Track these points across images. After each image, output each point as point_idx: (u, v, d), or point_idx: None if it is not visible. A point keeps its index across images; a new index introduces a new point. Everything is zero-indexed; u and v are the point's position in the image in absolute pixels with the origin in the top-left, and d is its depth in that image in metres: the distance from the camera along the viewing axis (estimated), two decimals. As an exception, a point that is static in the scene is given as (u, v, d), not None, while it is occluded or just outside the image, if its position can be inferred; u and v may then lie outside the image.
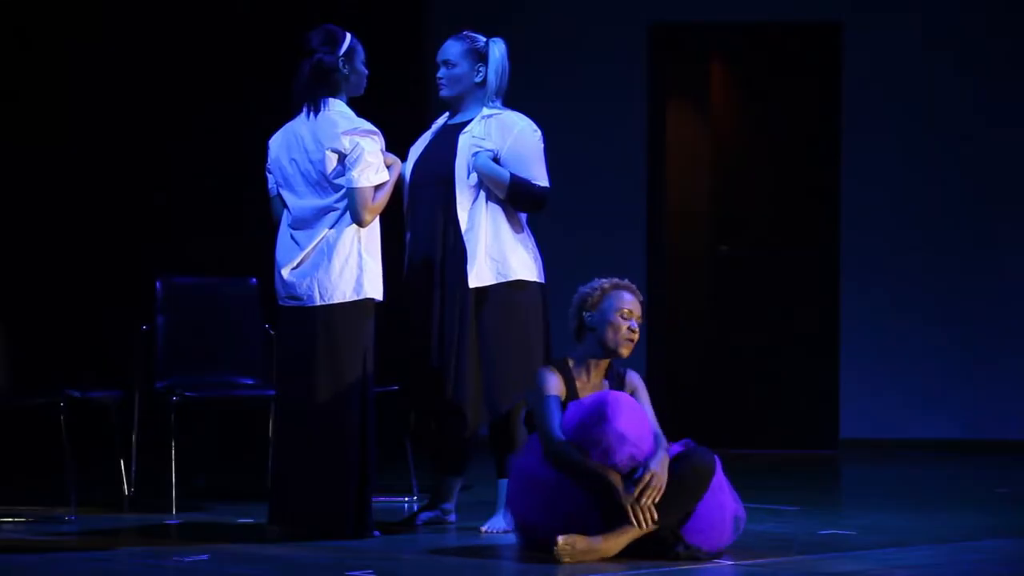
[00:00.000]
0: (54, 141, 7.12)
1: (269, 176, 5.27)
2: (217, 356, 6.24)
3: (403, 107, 7.74)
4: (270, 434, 5.74)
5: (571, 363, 4.85)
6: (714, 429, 8.64)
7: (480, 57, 5.38)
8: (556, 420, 4.69)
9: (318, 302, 5.11)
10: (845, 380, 8.48)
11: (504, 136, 5.32)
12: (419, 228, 5.36)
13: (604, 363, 4.86)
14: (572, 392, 4.79)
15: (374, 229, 5.16)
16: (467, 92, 5.39)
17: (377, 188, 5.09)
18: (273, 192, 5.26)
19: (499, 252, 5.28)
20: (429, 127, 5.54)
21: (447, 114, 5.49)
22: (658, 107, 8.69)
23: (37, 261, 7.01)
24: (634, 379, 4.91)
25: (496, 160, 5.30)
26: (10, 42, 6.93)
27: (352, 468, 5.05)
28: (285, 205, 5.21)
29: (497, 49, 5.39)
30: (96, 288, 7.14)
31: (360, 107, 5.23)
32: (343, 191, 5.09)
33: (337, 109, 5.14)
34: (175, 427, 5.83)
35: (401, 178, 5.37)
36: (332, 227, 5.10)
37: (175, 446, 5.82)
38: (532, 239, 5.40)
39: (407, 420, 5.53)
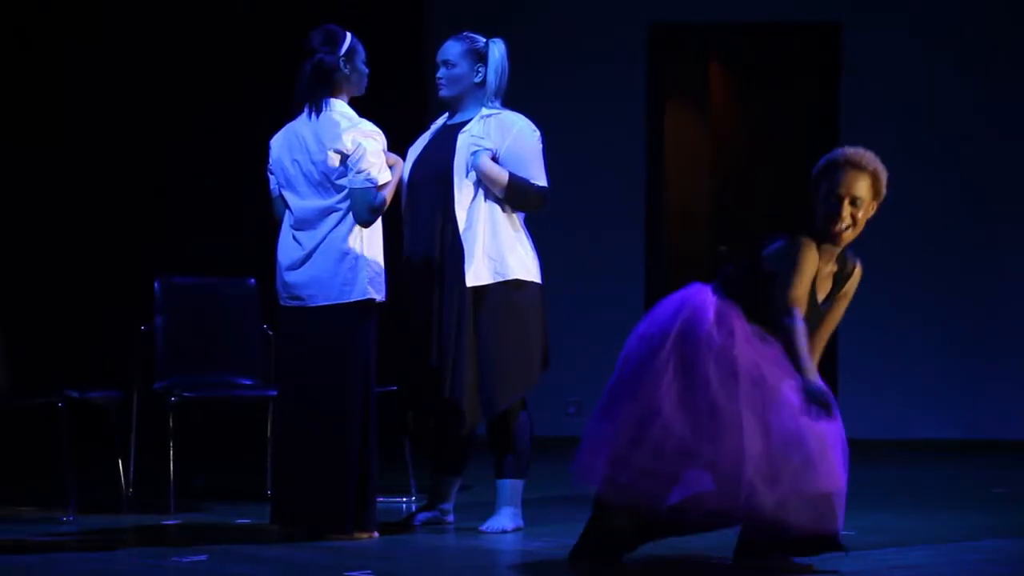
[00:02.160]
0: (54, 141, 7.12)
1: (271, 177, 5.27)
2: (216, 356, 6.24)
3: (403, 107, 7.75)
4: (269, 434, 5.75)
5: (816, 243, 4.47)
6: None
7: (480, 57, 5.39)
8: (802, 297, 4.33)
9: (320, 302, 5.11)
10: (844, 380, 8.48)
11: (503, 136, 5.32)
12: (418, 227, 5.37)
13: (836, 250, 4.50)
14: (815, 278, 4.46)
15: (376, 229, 5.16)
16: (466, 92, 5.40)
17: (379, 188, 5.10)
18: (275, 192, 5.26)
19: (497, 252, 5.28)
20: (428, 127, 5.54)
21: (446, 114, 5.50)
22: (657, 107, 8.69)
23: (36, 261, 7.01)
24: (857, 278, 4.54)
25: (495, 159, 5.30)
26: (10, 42, 6.92)
27: (352, 468, 5.05)
28: (287, 205, 5.21)
29: (496, 49, 5.39)
30: (95, 288, 7.14)
31: (361, 107, 5.23)
32: (345, 191, 5.09)
33: (339, 109, 5.14)
34: (174, 427, 5.82)
35: (401, 178, 5.37)
36: (334, 227, 5.10)
37: (174, 446, 5.82)
38: (530, 239, 5.40)
39: (406, 420, 5.53)
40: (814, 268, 4.44)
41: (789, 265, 4.40)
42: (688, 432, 4.28)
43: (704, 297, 4.54)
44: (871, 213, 4.54)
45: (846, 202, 4.45)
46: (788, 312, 4.35)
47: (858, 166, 4.48)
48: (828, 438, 4.34)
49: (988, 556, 4.83)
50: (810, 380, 4.31)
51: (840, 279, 4.57)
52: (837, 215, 4.45)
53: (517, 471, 5.36)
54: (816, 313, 4.50)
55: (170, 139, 7.50)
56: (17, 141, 6.99)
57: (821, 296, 4.52)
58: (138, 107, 7.39)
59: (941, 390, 8.47)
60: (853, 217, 4.47)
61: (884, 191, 4.57)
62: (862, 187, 4.48)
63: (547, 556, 4.82)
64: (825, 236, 4.48)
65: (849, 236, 4.50)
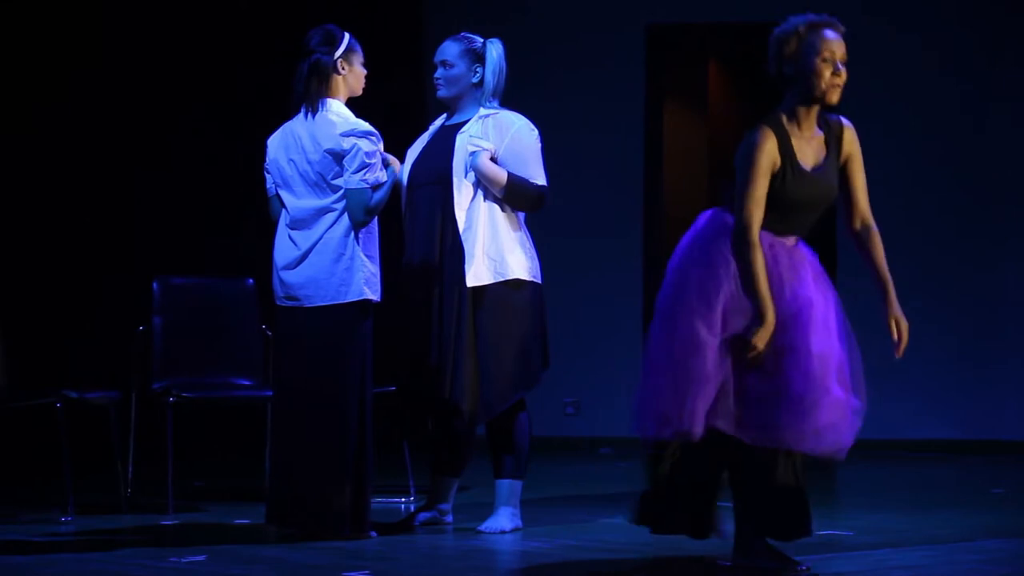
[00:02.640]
0: (51, 141, 7.12)
1: (267, 176, 5.27)
2: (214, 357, 6.24)
3: (401, 107, 7.75)
4: (267, 435, 5.74)
5: (784, 118, 4.41)
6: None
7: (477, 58, 5.38)
8: (759, 209, 4.32)
9: (316, 303, 5.11)
10: (842, 381, 8.48)
11: (501, 135, 5.32)
12: (417, 228, 5.36)
13: (814, 111, 4.41)
14: (788, 150, 4.39)
15: (372, 230, 5.16)
16: (464, 92, 5.39)
17: (375, 189, 5.10)
18: (271, 192, 5.26)
19: (496, 251, 5.28)
20: (427, 128, 5.54)
21: (445, 115, 5.50)
22: (655, 108, 8.69)
23: (34, 262, 7.01)
24: (851, 135, 4.48)
25: (494, 159, 5.30)
26: (7, 43, 6.92)
27: (349, 469, 5.05)
28: (283, 205, 5.21)
29: (494, 50, 5.39)
30: (93, 288, 7.14)
31: (358, 107, 5.23)
32: (341, 192, 5.09)
33: (335, 110, 5.14)
34: (172, 428, 5.82)
35: (398, 179, 5.37)
36: (330, 228, 5.10)
37: (172, 447, 5.82)
38: (530, 239, 5.40)
39: (404, 420, 5.52)
40: (769, 159, 4.36)
41: (743, 163, 4.37)
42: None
43: (703, 218, 4.64)
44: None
45: (839, 63, 4.36)
46: (739, 237, 4.35)
47: (838, 28, 4.40)
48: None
49: (986, 556, 4.83)
50: (755, 318, 4.29)
51: (832, 141, 4.48)
52: (834, 74, 4.34)
53: (516, 471, 5.36)
54: (808, 181, 4.41)
55: (168, 138, 7.49)
56: (14, 140, 6.99)
57: (810, 163, 4.43)
58: (136, 106, 7.39)
59: (939, 391, 8.47)
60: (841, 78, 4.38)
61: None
62: (843, 49, 4.39)
63: (546, 556, 4.82)
64: (810, 99, 4.39)
65: (838, 95, 4.40)
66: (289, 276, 5.15)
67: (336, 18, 5.33)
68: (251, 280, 6.35)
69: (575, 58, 8.59)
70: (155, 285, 6.25)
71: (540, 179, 5.35)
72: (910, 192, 8.50)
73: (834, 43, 4.36)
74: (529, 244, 5.38)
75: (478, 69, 5.38)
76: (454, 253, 5.27)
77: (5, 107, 6.92)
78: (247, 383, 6.20)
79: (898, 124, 8.51)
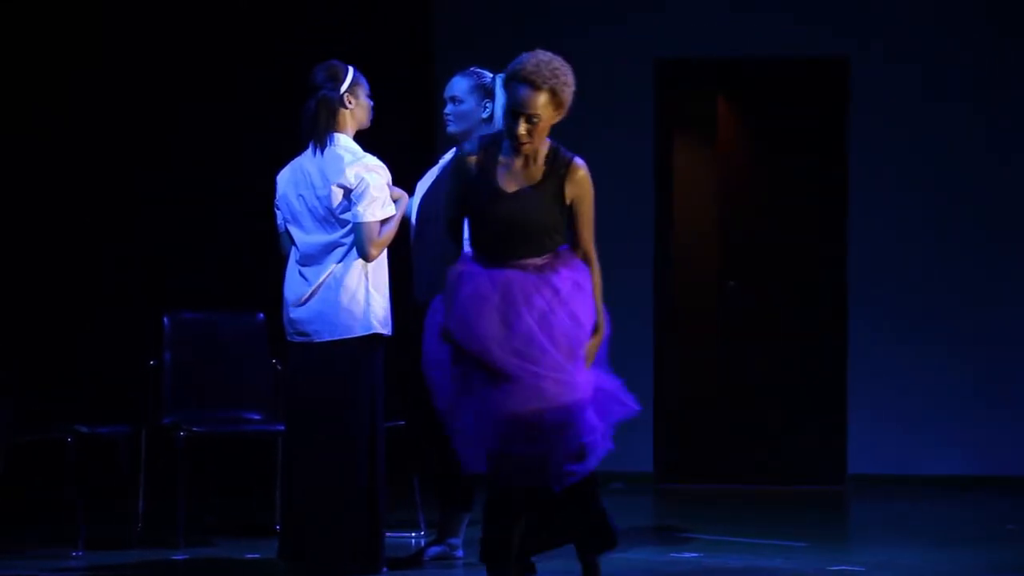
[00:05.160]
0: (62, 177, 7.14)
1: (277, 212, 5.29)
2: (224, 391, 6.24)
3: (410, 141, 7.77)
4: (278, 469, 5.73)
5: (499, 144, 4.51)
6: (722, 464, 8.62)
7: (487, 93, 5.40)
8: (455, 208, 4.47)
9: (326, 338, 5.11)
10: (853, 416, 8.46)
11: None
12: (426, 262, 5.37)
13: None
14: (491, 166, 4.46)
15: (381, 264, 5.17)
16: (474, 128, 5.41)
17: (383, 222, 5.10)
18: (281, 228, 5.27)
19: (506, 287, 5.27)
20: (436, 162, 5.55)
21: (455, 149, 5.51)
22: (665, 142, 8.70)
23: (45, 297, 7.03)
24: (581, 175, 4.55)
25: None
26: (6, 43, 6.93)
27: (361, 503, 5.04)
28: (293, 241, 5.22)
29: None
30: (104, 323, 7.15)
31: (366, 141, 5.24)
32: (350, 226, 5.10)
33: (343, 144, 5.16)
34: (183, 462, 5.82)
35: (407, 213, 5.37)
36: (339, 262, 5.11)
37: (182, 481, 5.81)
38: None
39: (415, 455, 5.51)
40: (459, 182, 4.47)
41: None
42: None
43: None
44: (556, 120, 4.51)
45: (522, 119, 4.43)
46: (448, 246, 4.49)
47: (534, 84, 4.44)
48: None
49: (998, 591, 4.81)
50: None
51: (553, 173, 4.51)
52: (514, 131, 4.42)
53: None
54: (510, 199, 4.44)
55: (180, 175, 7.51)
56: (25, 176, 7.02)
57: (512, 186, 4.45)
58: (148, 141, 7.41)
59: (950, 425, 8.43)
60: (530, 132, 4.44)
61: (568, 101, 4.54)
62: (539, 103, 4.44)
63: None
64: (513, 146, 4.47)
65: (529, 148, 4.46)
66: (299, 312, 5.15)
67: (345, 54, 5.35)
68: (261, 315, 6.36)
69: (584, 92, 8.56)
70: (165, 320, 6.26)
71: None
72: (920, 224, 8.49)
73: (522, 98, 4.41)
74: (539, 278, 5.37)
75: (488, 104, 5.40)
76: (464, 287, 5.26)
77: (16, 144, 6.95)
78: (257, 417, 6.20)
79: (908, 157, 8.50)
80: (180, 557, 5.57)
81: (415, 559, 5.40)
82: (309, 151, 5.18)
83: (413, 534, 6.10)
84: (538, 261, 4.47)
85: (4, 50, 6.88)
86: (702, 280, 8.88)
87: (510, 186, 4.46)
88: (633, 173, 8.58)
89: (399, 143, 6.70)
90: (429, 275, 5.34)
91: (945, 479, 8.32)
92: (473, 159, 4.46)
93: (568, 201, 4.53)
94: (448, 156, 5.51)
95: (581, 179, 4.56)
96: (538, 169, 4.50)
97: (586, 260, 4.60)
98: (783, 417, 8.58)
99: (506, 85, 4.46)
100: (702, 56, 8.64)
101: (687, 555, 5.68)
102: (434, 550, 5.44)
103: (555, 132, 4.46)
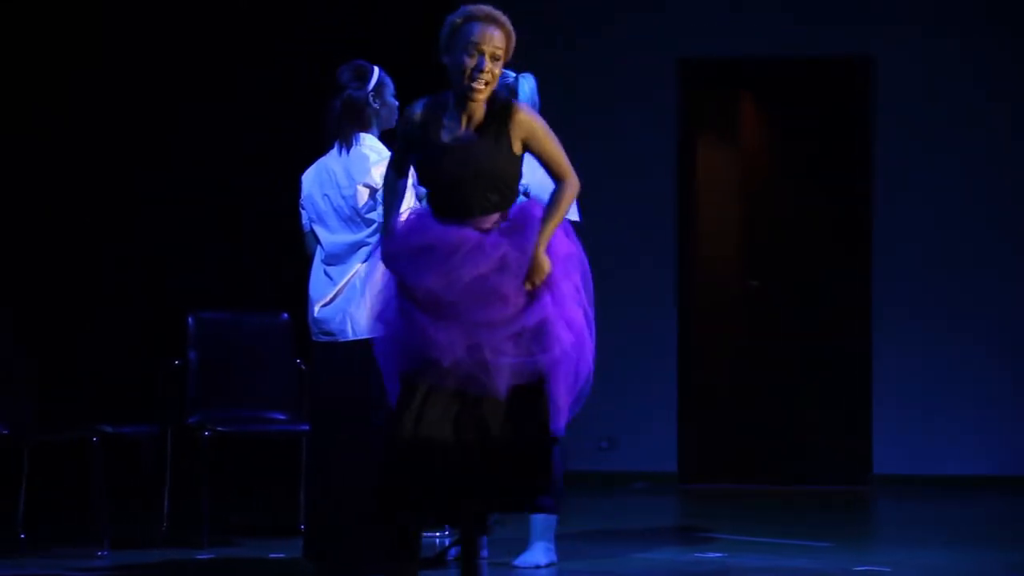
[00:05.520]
0: (85, 179, 7.17)
1: (303, 212, 5.29)
2: (249, 391, 6.25)
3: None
4: (302, 469, 5.74)
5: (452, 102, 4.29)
6: (746, 464, 8.61)
7: (510, 92, 5.39)
8: (399, 159, 4.34)
9: (351, 337, 5.12)
10: (878, 415, 8.43)
11: (533, 169, 5.28)
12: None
13: (468, 103, 4.26)
14: (433, 124, 4.28)
15: (406, 263, 5.16)
16: (498, 127, 5.39)
17: (408, 222, 5.10)
18: (307, 228, 5.28)
19: (530, 286, 5.26)
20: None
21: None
22: (688, 142, 8.69)
23: (69, 297, 7.05)
24: (523, 116, 4.27)
25: (526, 194, 5.29)
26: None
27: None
28: (318, 241, 5.23)
29: (527, 84, 5.40)
30: (129, 323, 7.17)
31: (391, 141, 5.24)
32: (375, 225, 5.10)
33: (368, 144, 5.17)
34: (207, 462, 5.83)
35: (432, 213, 5.37)
36: (364, 262, 5.11)
37: (207, 481, 5.83)
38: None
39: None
40: (404, 129, 4.30)
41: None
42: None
43: None
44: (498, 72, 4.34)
45: (487, 56, 4.25)
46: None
47: (496, 21, 4.28)
48: None
49: (1025, 592, 4.79)
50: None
51: (493, 119, 4.28)
52: (480, 66, 4.24)
53: (550, 506, 5.34)
54: (452, 151, 4.25)
55: (204, 174, 7.53)
56: (48, 178, 7.05)
57: (450, 139, 4.26)
58: (175, 142, 7.43)
59: (978, 426, 8.39)
60: (491, 73, 4.26)
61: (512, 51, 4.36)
62: (503, 42, 4.28)
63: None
64: (462, 92, 4.27)
65: (485, 93, 4.27)
66: (324, 311, 5.16)
67: (371, 54, 5.36)
68: (286, 314, 6.37)
69: (607, 92, 8.60)
70: (189, 319, 6.28)
71: (572, 214, 5.32)
72: (947, 224, 8.45)
73: (484, 37, 4.24)
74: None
75: (511, 103, 5.38)
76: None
77: (39, 145, 6.98)
78: (281, 417, 6.21)
79: (934, 156, 8.47)
80: (205, 557, 5.58)
81: (439, 559, 5.40)
82: (334, 150, 5.19)
83: (437, 534, 6.11)
84: (488, 223, 4.24)
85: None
86: (725, 279, 8.87)
87: (448, 139, 4.27)
88: (656, 172, 8.57)
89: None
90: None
91: (971, 479, 8.29)
92: (416, 114, 4.28)
93: (519, 147, 4.30)
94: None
95: (524, 118, 4.29)
96: (477, 121, 4.29)
97: (559, 181, 4.35)
98: (807, 417, 8.55)
99: (460, 26, 4.25)
100: (725, 55, 8.63)
101: (711, 555, 5.67)
102: (458, 550, 5.43)
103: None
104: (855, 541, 6.32)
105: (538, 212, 4.29)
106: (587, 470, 8.19)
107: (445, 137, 4.28)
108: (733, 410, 8.71)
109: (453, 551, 5.44)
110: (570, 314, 4.24)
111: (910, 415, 8.42)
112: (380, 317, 4.36)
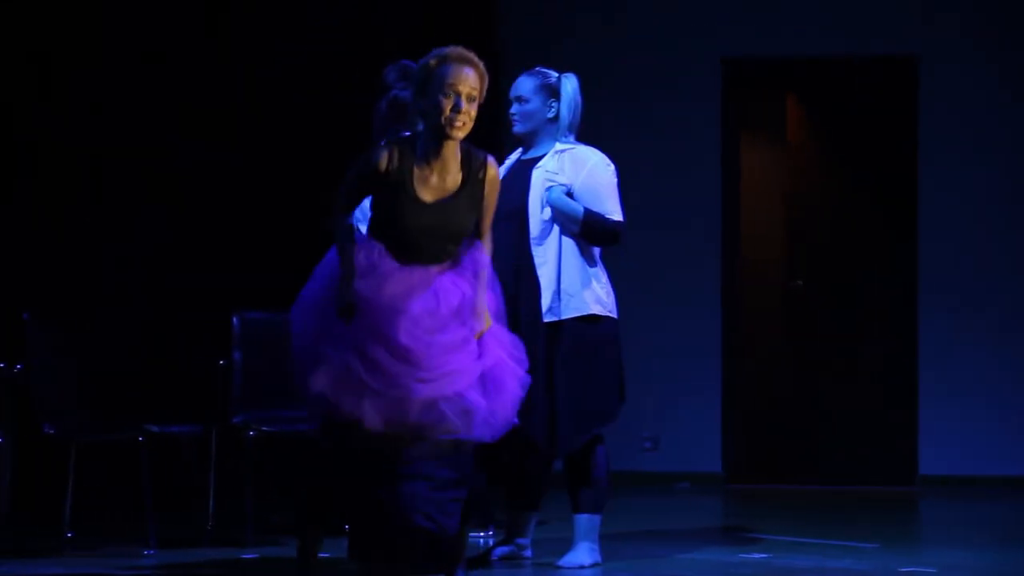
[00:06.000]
0: (129, 181, 7.21)
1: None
2: (293, 391, 6.26)
3: (477, 142, 7.77)
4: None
5: (417, 146, 4.42)
6: (791, 465, 8.58)
7: (552, 93, 5.40)
8: (352, 199, 4.41)
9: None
10: (924, 415, 8.38)
11: (577, 171, 5.33)
12: (493, 263, 5.37)
13: (444, 145, 4.36)
14: (406, 175, 4.38)
15: (448, 264, 5.16)
16: (540, 128, 5.41)
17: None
18: (355, 224, 5.28)
19: (573, 286, 5.28)
20: (503, 162, 5.56)
21: (520, 149, 5.52)
22: (732, 142, 8.67)
23: (115, 298, 7.10)
24: (493, 175, 4.45)
25: (570, 195, 5.31)
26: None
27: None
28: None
29: (569, 84, 5.40)
30: (175, 323, 7.21)
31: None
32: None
33: (413, 145, 5.17)
34: (252, 461, 5.86)
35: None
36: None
37: (252, 480, 5.85)
38: (606, 273, 5.40)
39: (482, 454, 5.52)
40: (368, 174, 4.36)
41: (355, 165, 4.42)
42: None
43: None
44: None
45: (464, 98, 4.32)
46: (330, 215, 4.45)
47: (473, 64, 4.35)
48: None
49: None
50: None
51: (471, 178, 4.42)
52: (458, 107, 4.32)
53: (594, 506, 5.35)
54: (430, 210, 4.36)
55: (247, 175, 7.57)
56: (90, 181, 7.09)
57: (428, 195, 4.37)
58: (216, 145, 7.47)
59: (1023, 426, 8.34)
60: (469, 115, 4.35)
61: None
62: (480, 85, 4.36)
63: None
64: (438, 133, 4.35)
65: (462, 134, 4.36)
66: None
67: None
68: (330, 315, 6.37)
69: (650, 92, 8.58)
70: (234, 320, 6.31)
71: (616, 214, 5.34)
72: (993, 226, 8.40)
73: (459, 78, 4.32)
74: (605, 279, 5.38)
75: (553, 104, 5.40)
76: (530, 288, 5.28)
77: (86, 155, 7.02)
78: (326, 417, 6.22)
79: (979, 157, 8.41)
80: (250, 556, 5.61)
81: (483, 559, 5.41)
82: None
83: (482, 534, 6.11)
84: (445, 266, 4.44)
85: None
86: (769, 280, 8.84)
87: (427, 195, 4.38)
88: (700, 173, 8.55)
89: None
90: (496, 275, 5.35)
91: (1018, 480, 8.23)
92: (384, 160, 4.35)
93: (483, 202, 4.49)
94: (514, 156, 5.52)
95: (493, 179, 4.49)
96: (455, 177, 4.41)
97: (480, 239, 4.53)
98: (853, 417, 8.52)
99: (434, 68, 4.34)
100: (770, 55, 8.60)
101: (756, 555, 5.66)
102: (502, 550, 5.44)
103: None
104: (901, 542, 6.29)
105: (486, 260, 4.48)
106: (631, 470, 8.18)
107: (423, 194, 4.37)
108: (778, 410, 8.68)
109: (498, 551, 5.44)
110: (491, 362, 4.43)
111: (957, 415, 8.37)
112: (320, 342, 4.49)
